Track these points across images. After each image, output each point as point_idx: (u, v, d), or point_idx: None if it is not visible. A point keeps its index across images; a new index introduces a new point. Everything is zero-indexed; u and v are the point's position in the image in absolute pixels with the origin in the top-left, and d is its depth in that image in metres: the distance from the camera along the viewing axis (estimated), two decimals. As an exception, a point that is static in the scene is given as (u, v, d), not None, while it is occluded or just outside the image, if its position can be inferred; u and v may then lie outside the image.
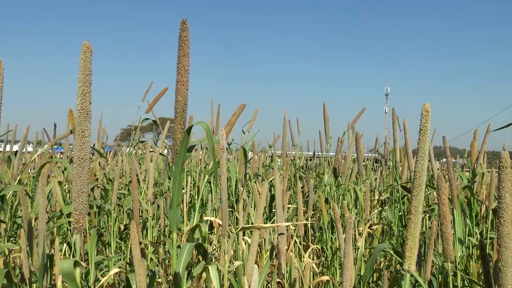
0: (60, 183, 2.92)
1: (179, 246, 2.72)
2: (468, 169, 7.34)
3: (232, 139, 4.80)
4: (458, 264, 2.27)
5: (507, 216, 1.11)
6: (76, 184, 1.18)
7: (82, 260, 2.86)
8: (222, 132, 1.63)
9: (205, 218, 2.21)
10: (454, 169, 7.37)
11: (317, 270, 2.95)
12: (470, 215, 3.13)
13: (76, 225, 1.18)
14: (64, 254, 3.01)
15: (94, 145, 4.16)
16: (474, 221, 3.12)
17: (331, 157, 5.04)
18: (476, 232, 3.40)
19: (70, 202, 3.12)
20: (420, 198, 1.20)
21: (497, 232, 1.13)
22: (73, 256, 2.87)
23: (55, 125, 4.16)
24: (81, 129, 1.18)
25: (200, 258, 2.99)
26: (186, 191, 4.09)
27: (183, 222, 3.80)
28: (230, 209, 4.34)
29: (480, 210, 3.73)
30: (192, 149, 1.43)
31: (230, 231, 2.74)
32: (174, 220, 1.34)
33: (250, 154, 4.82)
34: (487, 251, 2.99)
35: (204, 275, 2.13)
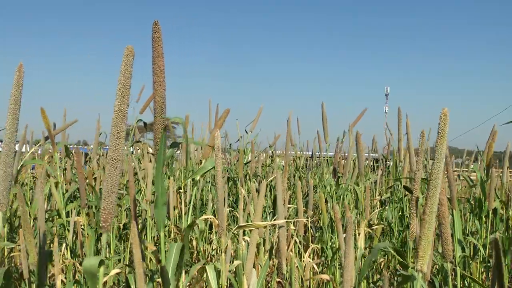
0: (57, 184, 2.91)
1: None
2: (466, 169, 7.33)
3: (230, 144, 4.80)
4: (458, 264, 2.27)
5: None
6: (107, 184, 1.19)
7: (82, 260, 2.86)
8: (217, 133, 1.63)
9: (203, 216, 2.20)
10: (465, 169, 7.36)
11: (317, 270, 2.95)
12: (480, 216, 3.10)
13: (104, 224, 1.19)
14: (64, 254, 3.01)
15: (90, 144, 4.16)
16: (483, 222, 3.09)
17: (330, 157, 5.03)
18: (483, 232, 3.37)
19: (71, 202, 3.11)
20: (435, 199, 1.21)
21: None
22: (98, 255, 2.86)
23: (54, 125, 4.15)
24: (117, 130, 1.20)
25: (200, 258, 2.98)
26: (186, 191, 4.08)
27: (182, 222, 3.80)
28: (230, 208, 4.34)
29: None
30: (177, 145, 1.46)
31: (228, 230, 2.74)
32: (160, 219, 1.35)
33: (249, 155, 4.81)
34: (487, 251, 2.99)
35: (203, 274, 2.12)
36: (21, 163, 2.80)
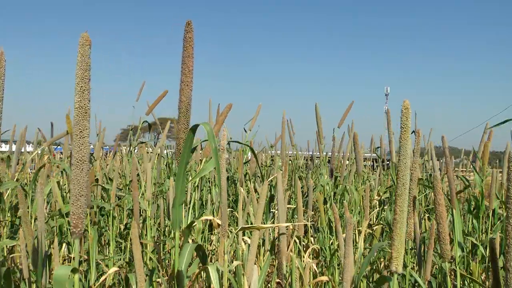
0: (58, 183, 2.92)
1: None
2: (465, 169, 7.32)
3: (231, 138, 4.79)
4: (458, 264, 2.27)
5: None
6: (75, 187, 1.10)
7: (82, 260, 2.86)
8: (223, 133, 1.64)
9: (204, 217, 2.20)
10: (463, 169, 7.35)
11: (316, 270, 2.95)
12: (477, 216, 3.11)
13: (74, 230, 1.11)
14: (64, 255, 3.01)
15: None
16: (480, 222, 3.10)
17: (330, 157, 5.03)
18: (481, 232, 3.38)
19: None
20: (405, 197, 1.18)
21: (506, 233, 1.12)
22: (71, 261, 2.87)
23: (51, 124, 4.16)
24: (79, 128, 1.10)
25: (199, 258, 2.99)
26: (187, 191, 4.09)
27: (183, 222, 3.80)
28: (230, 209, 4.34)
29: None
30: (194, 150, 1.42)
31: (230, 231, 2.75)
32: (176, 218, 1.33)
33: (249, 154, 4.81)
34: (487, 251, 3.00)
35: (201, 274, 2.13)
36: (26, 160, 2.80)
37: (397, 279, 1.22)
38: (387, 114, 3.57)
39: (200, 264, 1.76)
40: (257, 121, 4.25)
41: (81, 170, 1.11)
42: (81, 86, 1.10)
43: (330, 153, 4.32)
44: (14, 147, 4.09)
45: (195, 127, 1.30)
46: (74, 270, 1.13)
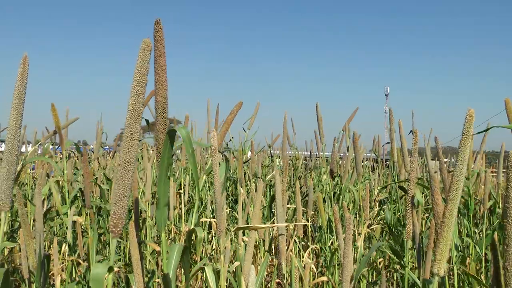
0: (58, 182, 2.92)
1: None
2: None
3: (232, 137, 4.79)
4: (455, 263, 2.28)
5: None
6: (119, 188, 1.11)
7: (81, 260, 2.87)
8: (213, 133, 1.63)
9: (203, 219, 2.21)
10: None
11: (315, 270, 2.96)
12: (468, 215, 3.14)
13: (114, 229, 1.13)
14: (64, 254, 3.01)
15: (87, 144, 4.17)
16: (472, 221, 3.13)
17: (327, 157, 5.04)
18: (475, 231, 3.39)
19: (71, 202, 3.12)
20: (456, 201, 1.20)
21: (504, 231, 1.13)
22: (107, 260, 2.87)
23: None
24: (130, 131, 1.12)
25: (198, 259, 2.99)
26: (184, 191, 4.09)
27: (181, 223, 3.80)
28: (230, 209, 4.34)
29: (480, 209, 3.73)
30: (173, 155, 1.42)
31: (227, 230, 2.74)
32: (161, 220, 1.34)
33: (249, 154, 4.82)
34: (484, 251, 3.00)
35: (200, 274, 2.13)
36: (22, 162, 2.81)
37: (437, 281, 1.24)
38: (390, 114, 3.57)
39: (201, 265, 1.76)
40: (256, 121, 4.25)
41: (127, 171, 1.12)
42: (137, 90, 1.12)
43: (330, 153, 4.33)
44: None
45: (172, 133, 1.30)
46: (110, 269, 1.14)
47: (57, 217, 2.95)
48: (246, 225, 1.58)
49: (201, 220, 2.45)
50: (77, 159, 4.92)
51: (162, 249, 1.37)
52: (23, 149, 4.29)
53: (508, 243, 1.12)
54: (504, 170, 5.34)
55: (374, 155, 6.05)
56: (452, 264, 2.24)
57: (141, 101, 1.13)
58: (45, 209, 3.02)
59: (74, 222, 2.81)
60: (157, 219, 1.33)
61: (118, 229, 1.13)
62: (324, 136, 3.91)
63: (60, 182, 3.29)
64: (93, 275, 1.10)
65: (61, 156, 4.43)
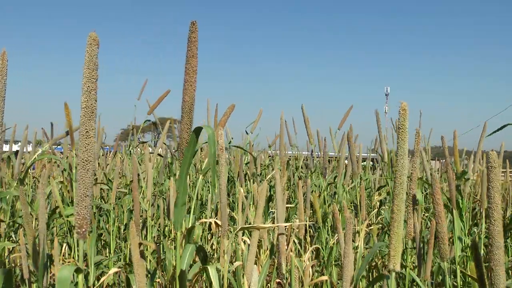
0: (61, 182, 2.92)
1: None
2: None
3: (232, 138, 4.80)
4: (458, 263, 2.28)
5: (497, 215, 1.11)
6: (80, 188, 1.09)
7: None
8: (220, 132, 1.64)
9: (203, 220, 2.21)
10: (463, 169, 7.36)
11: (311, 270, 2.96)
12: (461, 215, 3.16)
13: (79, 231, 1.10)
14: (64, 255, 3.02)
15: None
16: (465, 222, 3.14)
17: (330, 157, 5.04)
18: (472, 231, 3.40)
19: (72, 202, 3.12)
20: (402, 196, 1.19)
21: (488, 231, 1.13)
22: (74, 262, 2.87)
23: (51, 124, 4.15)
24: (86, 129, 1.09)
25: (197, 259, 3.00)
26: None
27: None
28: (229, 209, 4.35)
29: (480, 209, 3.74)
30: (195, 153, 1.42)
31: (230, 231, 2.75)
32: (179, 219, 1.33)
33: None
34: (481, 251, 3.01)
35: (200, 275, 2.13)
36: (33, 159, 2.80)
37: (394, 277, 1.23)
38: (377, 115, 3.61)
39: (201, 265, 1.77)
40: (258, 123, 4.31)
41: (86, 170, 1.10)
42: (88, 86, 1.09)
43: (332, 153, 4.37)
44: (14, 147, 4.10)
45: (198, 130, 1.29)
46: (78, 270, 1.12)
47: (59, 217, 2.95)
48: (250, 225, 1.58)
49: (201, 220, 2.46)
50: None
51: (177, 248, 1.37)
52: (24, 150, 4.28)
53: (493, 243, 1.11)
54: (504, 170, 5.35)
55: (373, 155, 6.05)
56: (456, 264, 2.24)
57: (94, 97, 1.09)
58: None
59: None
60: (175, 218, 1.33)
61: (83, 230, 1.10)
62: (313, 136, 3.98)
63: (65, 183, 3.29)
64: (59, 277, 1.07)
65: (61, 155, 4.43)
